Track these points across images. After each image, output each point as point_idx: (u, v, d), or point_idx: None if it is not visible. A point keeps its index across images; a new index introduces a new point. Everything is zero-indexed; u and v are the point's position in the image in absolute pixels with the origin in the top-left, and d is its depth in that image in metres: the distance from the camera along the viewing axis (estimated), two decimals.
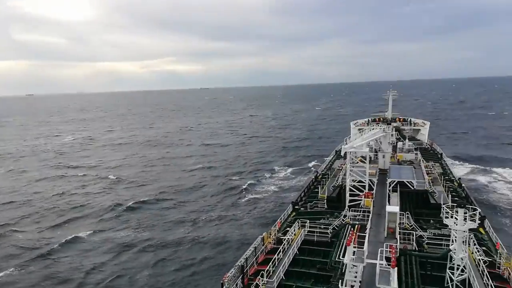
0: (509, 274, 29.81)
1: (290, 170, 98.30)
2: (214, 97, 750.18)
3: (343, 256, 26.84)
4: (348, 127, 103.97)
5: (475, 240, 34.55)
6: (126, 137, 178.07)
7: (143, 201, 75.62)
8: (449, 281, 29.38)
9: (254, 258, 33.95)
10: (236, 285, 29.80)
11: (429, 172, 57.10)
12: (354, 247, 26.78)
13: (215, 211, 68.76)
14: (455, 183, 56.28)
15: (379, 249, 26.85)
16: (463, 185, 54.68)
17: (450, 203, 38.36)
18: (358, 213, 40.32)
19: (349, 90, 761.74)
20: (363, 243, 28.87)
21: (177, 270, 47.70)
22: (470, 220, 28.31)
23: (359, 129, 76.71)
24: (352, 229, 35.89)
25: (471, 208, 30.26)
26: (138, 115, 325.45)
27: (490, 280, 27.85)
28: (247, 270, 31.81)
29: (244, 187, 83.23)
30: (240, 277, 30.52)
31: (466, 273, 28.87)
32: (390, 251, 26.84)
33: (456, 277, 28.89)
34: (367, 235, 32.14)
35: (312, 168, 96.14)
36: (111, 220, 66.59)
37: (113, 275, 47.03)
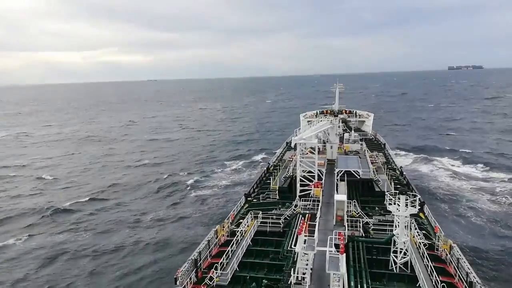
0: (446, 255, 32.18)
1: (240, 163, 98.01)
2: (162, 89, 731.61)
3: (295, 245, 27.53)
4: (298, 119, 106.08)
5: (415, 224, 36.80)
6: (65, 133, 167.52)
7: (82, 202, 71.08)
8: (393, 264, 31.20)
9: (208, 251, 33.86)
10: (190, 279, 29.60)
11: (374, 161, 59.82)
12: (305, 235, 27.56)
13: (162, 210, 65.94)
14: (397, 171, 59.49)
15: (329, 237, 27.84)
16: (404, 173, 58.00)
17: (393, 191, 40.65)
18: (309, 203, 41.45)
19: (298, 83, 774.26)
20: (313, 232, 29.80)
21: (119, 277, 44.50)
22: (411, 206, 30.20)
23: (308, 121, 78.63)
24: (303, 218, 36.87)
25: (412, 194, 32.17)
26: (79, 109, 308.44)
27: (429, 261, 29.96)
28: (200, 263, 31.66)
29: (193, 183, 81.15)
30: (194, 270, 30.33)
31: (408, 255, 30.81)
32: (338, 238, 27.92)
33: (399, 260, 30.75)
34: (317, 224, 33.15)
35: (261, 162, 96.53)
36: (45, 224, 61.38)
37: (45, 285, 43.33)
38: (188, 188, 78.12)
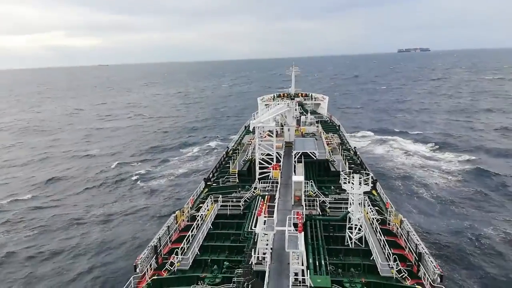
0: (397, 229, 34.15)
1: (196, 150, 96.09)
2: (114, 74, 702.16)
3: (255, 226, 28.02)
4: (254, 103, 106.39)
5: (369, 201, 38.55)
6: (4, 123, 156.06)
7: (22, 200, 65.74)
8: (348, 239, 32.67)
9: (168, 237, 33.63)
10: (150, 265, 29.37)
11: (329, 142, 61.49)
12: (265, 216, 28.11)
13: (112, 204, 62.53)
14: (351, 151, 61.69)
15: (287, 217, 28.57)
16: (358, 153, 60.31)
17: (347, 170, 42.22)
18: (268, 185, 42.17)
19: (255, 67, 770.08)
20: (273, 212, 30.48)
21: (65, 280, 41.12)
22: (364, 184, 31.61)
23: (266, 105, 79.19)
24: (262, 200, 37.51)
25: (365, 173, 33.61)
26: (21, 97, 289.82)
27: (382, 235, 31.67)
28: (160, 249, 31.45)
29: (145, 173, 78.12)
30: (154, 257, 30.11)
31: (362, 231, 32.36)
32: (297, 218, 28.72)
33: (354, 236, 32.25)
34: (276, 205, 33.86)
35: (216, 148, 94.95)
36: None
37: None
38: (141, 178, 75.08)
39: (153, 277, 28.34)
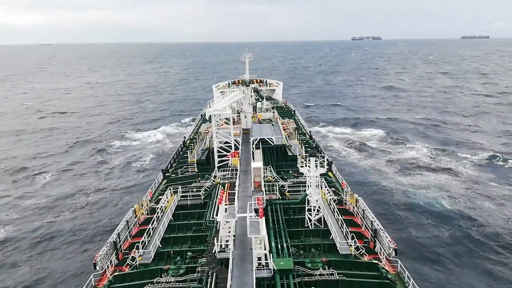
0: (353, 208, 35.63)
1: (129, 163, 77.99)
2: (52, 55, 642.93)
3: (217, 215, 28.10)
4: (207, 90, 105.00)
5: (325, 183, 39.88)
6: None
7: None
8: (308, 221, 33.69)
9: (127, 232, 32.95)
10: (111, 262, 28.71)
11: (285, 128, 62.34)
12: (226, 204, 28.25)
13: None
14: (307, 135, 63.09)
15: (248, 203, 28.89)
16: (313, 137, 61.84)
17: (304, 154, 43.18)
18: (227, 173, 42.24)
19: (208, 51, 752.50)
20: (233, 200, 30.68)
21: None
22: (320, 167, 32.63)
23: (221, 92, 78.57)
24: (222, 188, 37.58)
25: (321, 156, 34.60)
26: None
27: (340, 215, 32.93)
28: (120, 245, 30.78)
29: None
30: (114, 253, 29.43)
31: (321, 212, 33.46)
32: (257, 203, 29.14)
33: (314, 217, 33.31)
34: (236, 192, 34.09)
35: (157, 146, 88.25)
36: None
37: None
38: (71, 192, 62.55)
39: (115, 273, 27.78)
